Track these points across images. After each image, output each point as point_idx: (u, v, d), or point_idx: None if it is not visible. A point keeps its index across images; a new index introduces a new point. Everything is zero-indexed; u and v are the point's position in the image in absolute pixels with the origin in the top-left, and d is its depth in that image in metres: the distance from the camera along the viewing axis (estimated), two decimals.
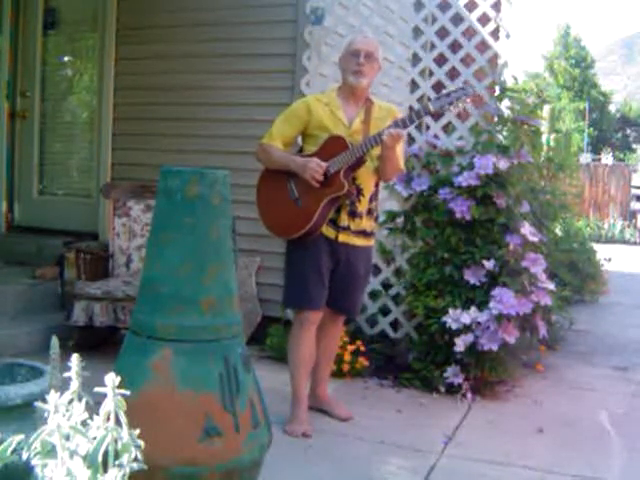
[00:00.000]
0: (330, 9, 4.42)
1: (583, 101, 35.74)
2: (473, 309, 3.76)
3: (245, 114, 4.63)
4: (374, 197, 3.29)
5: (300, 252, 3.20)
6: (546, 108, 6.56)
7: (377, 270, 4.32)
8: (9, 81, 5.40)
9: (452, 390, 3.82)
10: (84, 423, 1.58)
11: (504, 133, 4.22)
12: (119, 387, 1.56)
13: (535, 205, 4.39)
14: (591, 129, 35.79)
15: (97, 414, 1.57)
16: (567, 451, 3.17)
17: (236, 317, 2.30)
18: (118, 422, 1.56)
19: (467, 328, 3.74)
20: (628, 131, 40.85)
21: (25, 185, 5.52)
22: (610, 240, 14.45)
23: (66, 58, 5.62)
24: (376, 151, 3.17)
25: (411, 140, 4.53)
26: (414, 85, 4.58)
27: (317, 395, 3.46)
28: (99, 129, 5.23)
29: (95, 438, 1.55)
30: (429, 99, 3.16)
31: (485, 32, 4.22)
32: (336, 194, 3.09)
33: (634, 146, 39.36)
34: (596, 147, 34.57)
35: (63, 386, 1.72)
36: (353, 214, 3.20)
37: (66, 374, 1.64)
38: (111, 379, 1.55)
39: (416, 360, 4.02)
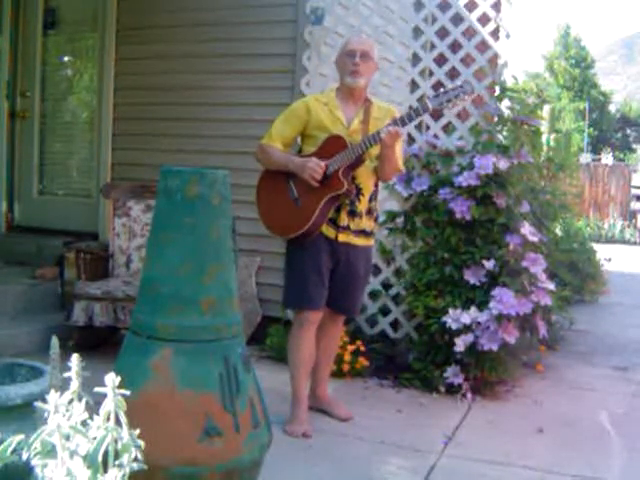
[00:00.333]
0: (330, 9, 4.42)
1: (583, 101, 35.76)
2: (473, 309, 3.76)
3: (245, 114, 4.63)
4: (374, 197, 3.29)
5: (300, 252, 3.20)
6: (546, 108, 6.55)
7: (377, 270, 4.32)
8: (9, 81, 5.40)
9: (452, 390, 3.82)
10: (84, 423, 1.58)
11: (504, 133, 4.22)
12: (119, 387, 1.56)
13: (535, 205, 4.38)
14: (591, 129, 35.79)
15: (97, 414, 1.57)
16: (567, 451, 3.17)
17: (236, 317, 2.30)
18: (118, 422, 1.56)
19: (467, 328, 3.74)
20: (628, 131, 40.87)
21: (25, 185, 5.52)
22: (610, 240, 14.45)
23: (66, 58, 5.62)
24: (375, 151, 3.17)
25: (411, 140, 4.53)
26: (414, 85, 4.58)
27: (317, 395, 3.46)
28: (99, 129, 5.23)
29: (95, 438, 1.55)
30: (428, 98, 3.16)
31: (485, 32, 4.22)
32: (335, 193, 3.10)
33: (634, 146, 39.36)
34: (596, 147, 34.57)
35: (63, 386, 1.72)
36: (353, 214, 3.20)
37: (66, 374, 1.64)
38: (111, 379, 1.55)
39: (416, 360, 4.01)
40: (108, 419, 1.55)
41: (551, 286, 3.91)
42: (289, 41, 4.53)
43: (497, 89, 4.24)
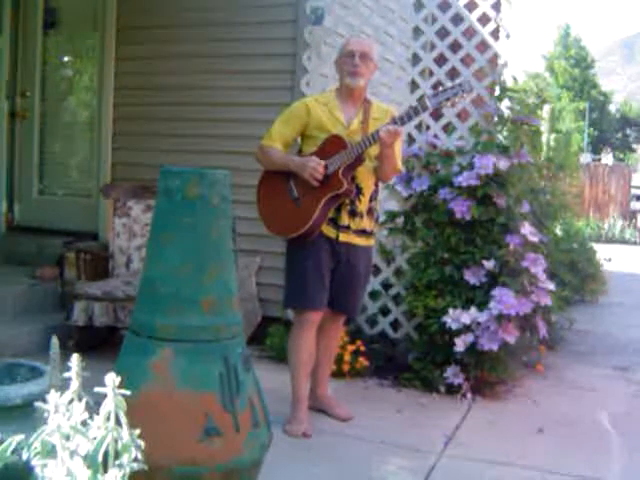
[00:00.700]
0: (330, 9, 4.42)
1: (583, 101, 35.76)
2: (473, 309, 3.76)
3: (245, 114, 4.63)
4: (374, 196, 3.29)
5: (300, 252, 3.20)
6: (546, 108, 6.56)
7: (377, 270, 4.32)
8: (9, 81, 5.39)
9: (452, 390, 3.82)
10: (84, 423, 1.58)
11: (504, 133, 4.22)
12: (119, 387, 1.56)
13: (535, 205, 4.39)
14: (591, 129, 35.80)
15: (97, 414, 1.57)
16: (567, 451, 3.17)
17: (236, 317, 2.30)
18: (118, 422, 1.56)
19: (467, 328, 3.74)
20: (628, 131, 40.87)
21: (25, 185, 5.52)
22: (610, 240, 14.46)
23: (66, 58, 5.62)
24: (375, 151, 3.17)
25: (411, 140, 4.53)
26: (414, 85, 4.58)
27: (317, 395, 3.46)
28: (99, 129, 5.23)
29: (95, 438, 1.55)
30: (427, 97, 3.16)
31: (485, 32, 4.22)
32: (335, 192, 3.10)
33: (634, 146, 39.39)
34: (596, 147, 34.59)
35: (63, 386, 1.72)
36: (353, 213, 3.20)
37: (66, 374, 1.64)
38: (111, 379, 1.55)
39: (416, 360, 4.01)
40: (108, 419, 1.56)
41: (551, 286, 3.91)
42: (289, 41, 4.52)
43: (497, 89, 4.24)
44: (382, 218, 4.15)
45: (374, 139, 3.07)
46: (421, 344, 4.06)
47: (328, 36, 4.43)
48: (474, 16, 4.25)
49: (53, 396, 1.56)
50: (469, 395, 3.78)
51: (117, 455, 1.55)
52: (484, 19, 4.23)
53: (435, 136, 4.33)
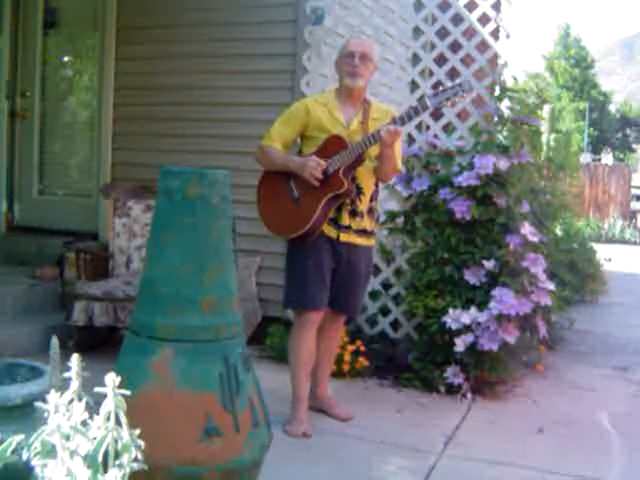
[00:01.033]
0: (330, 9, 4.42)
1: (583, 101, 35.76)
2: (473, 309, 3.76)
3: (245, 114, 4.63)
4: (374, 196, 3.30)
5: (301, 252, 3.20)
6: (546, 108, 6.56)
7: (377, 270, 4.32)
8: (9, 81, 5.39)
9: (452, 390, 3.82)
10: (84, 423, 1.58)
11: (504, 133, 4.22)
12: (119, 387, 1.56)
13: (535, 205, 4.39)
14: (591, 129, 35.80)
15: (97, 414, 1.57)
16: (567, 451, 3.17)
17: (236, 317, 2.30)
18: (118, 422, 1.56)
19: (467, 328, 3.73)
20: (628, 131, 40.88)
21: (25, 185, 5.52)
22: (610, 240, 14.46)
23: (66, 58, 5.62)
24: (375, 151, 3.17)
25: (411, 140, 4.53)
26: (414, 85, 4.58)
27: (317, 395, 3.46)
28: (99, 129, 5.23)
29: (95, 438, 1.55)
30: (427, 97, 3.17)
31: (485, 32, 4.22)
32: (335, 192, 3.10)
33: (634, 146, 39.40)
34: (596, 147, 34.59)
35: (63, 386, 1.72)
36: (354, 213, 3.20)
37: (66, 374, 1.64)
38: (111, 379, 1.55)
39: (416, 360, 4.01)
40: (108, 419, 1.56)
41: (551, 286, 3.91)
42: (289, 41, 4.52)
43: (497, 89, 4.24)
44: (382, 218, 4.15)
45: (375, 139, 3.07)
46: (421, 344, 4.06)
47: (328, 36, 4.43)
48: (474, 16, 4.26)
49: (53, 396, 1.56)
50: (469, 395, 3.78)
51: (117, 455, 1.55)
52: (484, 19, 4.23)
53: (435, 136, 4.33)
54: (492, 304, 3.70)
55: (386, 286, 4.40)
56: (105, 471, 1.54)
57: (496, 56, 4.24)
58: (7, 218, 5.47)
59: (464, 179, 3.88)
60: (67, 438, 1.54)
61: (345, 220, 3.19)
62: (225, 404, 2.14)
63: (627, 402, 3.99)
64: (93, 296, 4.05)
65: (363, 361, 4.05)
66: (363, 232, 3.25)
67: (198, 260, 2.21)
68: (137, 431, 1.58)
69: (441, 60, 4.35)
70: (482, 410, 3.67)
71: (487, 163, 3.85)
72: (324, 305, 3.24)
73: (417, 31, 4.68)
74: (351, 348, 4.03)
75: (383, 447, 3.10)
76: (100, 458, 1.53)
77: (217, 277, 2.23)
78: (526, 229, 3.86)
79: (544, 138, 5.56)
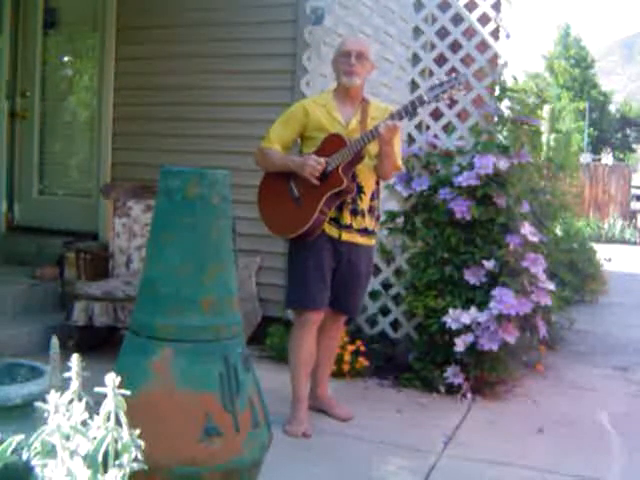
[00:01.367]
0: (330, 9, 4.42)
1: (583, 101, 35.75)
2: (473, 309, 3.76)
3: (245, 114, 4.63)
4: (375, 195, 3.30)
5: (302, 252, 3.20)
6: (546, 108, 6.57)
7: (377, 270, 4.32)
8: (9, 81, 5.39)
9: (452, 390, 3.82)
10: (84, 423, 1.58)
11: (504, 133, 4.22)
12: (119, 387, 1.56)
13: (535, 205, 4.39)
14: (591, 129, 35.79)
15: (97, 414, 1.57)
16: (567, 451, 3.17)
17: (236, 317, 2.30)
18: (118, 422, 1.56)
19: (467, 328, 3.74)
20: (628, 131, 40.86)
21: (25, 185, 5.52)
22: (610, 240, 14.46)
23: (66, 58, 5.61)
24: (374, 149, 3.17)
25: (411, 140, 4.53)
26: (414, 85, 4.58)
27: (317, 395, 3.46)
28: (99, 129, 5.23)
29: (95, 438, 1.55)
30: (424, 92, 3.17)
31: (485, 32, 4.22)
32: (335, 190, 3.10)
33: (634, 146, 39.38)
34: (596, 147, 34.58)
35: (63, 386, 1.72)
36: (355, 212, 3.20)
37: (66, 374, 1.64)
38: (111, 379, 1.55)
39: (416, 360, 4.01)
40: (108, 419, 1.56)
41: (551, 286, 3.91)
42: (289, 41, 4.52)
43: (497, 89, 4.24)
44: (382, 218, 4.15)
45: (373, 135, 3.07)
46: (421, 344, 4.06)
47: (328, 36, 4.42)
48: (474, 16, 4.26)
49: (53, 396, 1.56)
50: (469, 395, 3.78)
51: (117, 455, 1.55)
52: (484, 19, 4.23)
53: (435, 136, 4.33)
54: (492, 304, 3.70)
55: (386, 286, 4.40)
56: (105, 471, 1.54)
57: (496, 56, 4.24)
58: (7, 218, 5.47)
59: (464, 179, 3.88)
60: (67, 438, 1.54)
61: (346, 219, 3.19)
62: (225, 404, 2.14)
63: (627, 402, 3.99)
64: (93, 296, 4.05)
65: (363, 361, 4.05)
66: (364, 231, 3.25)
67: (198, 260, 2.21)
68: (137, 431, 1.58)
69: (441, 60, 4.35)
70: (482, 410, 3.67)
71: (487, 163, 3.85)
72: (324, 305, 3.24)
73: (417, 31, 4.68)
74: (351, 348, 4.03)
75: (383, 447, 3.11)
76: (100, 458, 1.53)
77: (217, 277, 2.23)
78: (526, 229, 3.86)
79: (544, 138, 5.57)
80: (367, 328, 4.38)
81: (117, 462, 1.54)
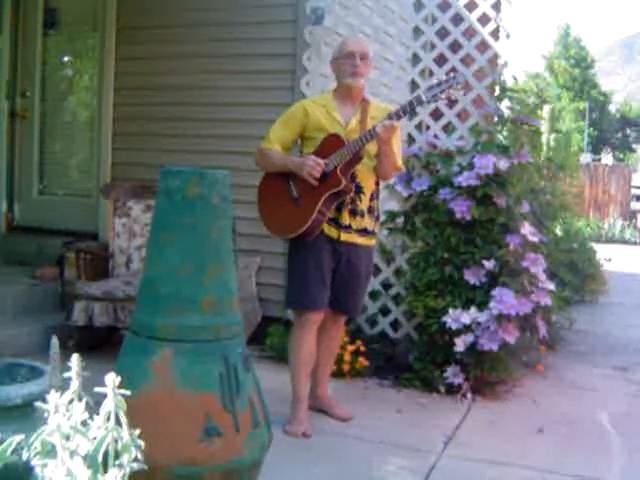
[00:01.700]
0: (330, 9, 4.42)
1: (583, 101, 35.75)
2: (473, 309, 3.76)
3: (245, 114, 4.63)
4: (375, 195, 3.29)
5: (302, 252, 3.20)
6: (546, 108, 6.56)
7: (377, 270, 4.32)
8: (9, 81, 5.39)
9: (452, 390, 3.82)
10: (84, 423, 1.58)
11: (504, 133, 4.22)
12: (119, 387, 1.56)
13: (535, 205, 4.39)
14: (591, 129, 35.80)
15: (97, 414, 1.57)
16: (567, 451, 3.17)
17: (236, 317, 2.30)
18: (118, 422, 1.56)
19: (467, 328, 3.74)
20: (628, 131, 40.86)
21: (25, 185, 5.52)
22: (610, 240, 14.46)
23: (66, 58, 5.62)
24: (374, 149, 3.17)
25: (411, 140, 4.53)
26: (414, 85, 4.58)
27: (317, 395, 3.46)
28: (99, 129, 5.23)
29: (95, 438, 1.55)
30: (422, 91, 3.17)
31: (485, 32, 4.22)
32: (334, 190, 3.09)
33: (634, 146, 39.39)
34: (596, 147, 34.59)
35: (63, 386, 1.72)
36: (354, 212, 3.20)
37: (66, 374, 1.64)
38: (111, 379, 1.55)
39: (416, 360, 4.01)
40: (108, 419, 1.55)
41: (551, 286, 3.91)
42: (289, 41, 4.52)
43: (497, 89, 4.24)
44: (382, 218, 4.15)
45: (371, 135, 3.07)
46: (421, 344, 4.06)
47: (328, 36, 4.42)
48: (474, 16, 4.26)
49: (53, 396, 1.56)
50: (469, 395, 3.78)
51: (117, 455, 1.55)
52: (484, 19, 4.23)
53: (435, 136, 4.33)
54: (492, 304, 3.70)
55: (386, 286, 4.40)
56: (105, 471, 1.53)
57: (496, 56, 4.24)
58: (7, 218, 5.47)
59: (464, 179, 3.88)
60: (67, 438, 1.54)
61: (345, 219, 3.19)
62: (225, 404, 2.14)
63: (627, 402, 3.99)
64: (93, 296, 4.05)
65: (363, 361, 4.05)
66: (364, 231, 3.25)
67: (198, 260, 2.21)
68: (137, 431, 1.58)
69: (441, 60, 4.35)
70: (482, 410, 3.67)
71: (487, 163, 3.85)
72: (324, 305, 3.24)
73: (417, 31, 4.68)
74: (351, 348, 4.03)
75: (383, 447, 3.11)
76: (100, 458, 1.53)
77: (217, 277, 2.23)
78: (526, 229, 3.86)
79: (544, 138, 5.56)
80: (367, 328, 4.38)
81: (117, 462, 1.54)
